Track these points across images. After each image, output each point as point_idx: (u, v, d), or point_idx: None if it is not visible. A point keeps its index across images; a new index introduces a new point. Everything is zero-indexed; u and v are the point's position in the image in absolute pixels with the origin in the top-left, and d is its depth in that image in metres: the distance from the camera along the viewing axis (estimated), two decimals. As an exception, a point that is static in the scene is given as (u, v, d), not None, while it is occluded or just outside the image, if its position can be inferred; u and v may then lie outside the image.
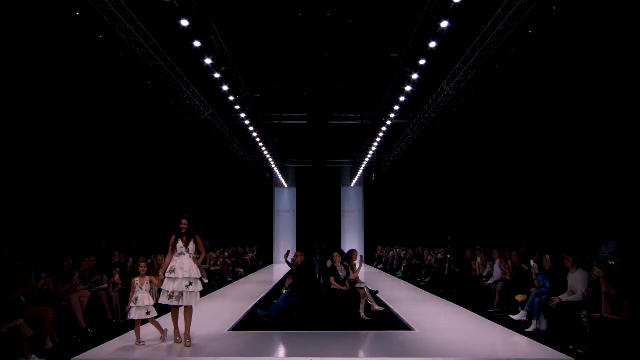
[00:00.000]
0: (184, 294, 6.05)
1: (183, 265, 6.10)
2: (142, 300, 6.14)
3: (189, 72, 12.27)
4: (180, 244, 6.18)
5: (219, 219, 22.87)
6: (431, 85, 13.10)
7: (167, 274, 6.08)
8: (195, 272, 6.13)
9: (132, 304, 6.12)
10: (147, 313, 6.17)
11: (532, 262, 7.86)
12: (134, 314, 6.11)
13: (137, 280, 6.25)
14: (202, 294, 11.00)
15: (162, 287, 6.15)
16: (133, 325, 6.30)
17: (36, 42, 9.63)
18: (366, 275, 16.47)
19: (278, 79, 14.81)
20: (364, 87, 15.46)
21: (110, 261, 8.89)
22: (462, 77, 11.62)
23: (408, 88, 11.71)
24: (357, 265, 8.79)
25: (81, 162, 12.97)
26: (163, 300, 6.10)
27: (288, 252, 10.31)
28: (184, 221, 6.28)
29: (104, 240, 12.76)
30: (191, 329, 6.71)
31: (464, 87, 12.09)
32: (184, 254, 6.15)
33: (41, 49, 9.84)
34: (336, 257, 8.48)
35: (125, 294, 8.05)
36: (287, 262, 9.84)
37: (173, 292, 6.03)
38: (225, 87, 11.80)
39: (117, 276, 8.16)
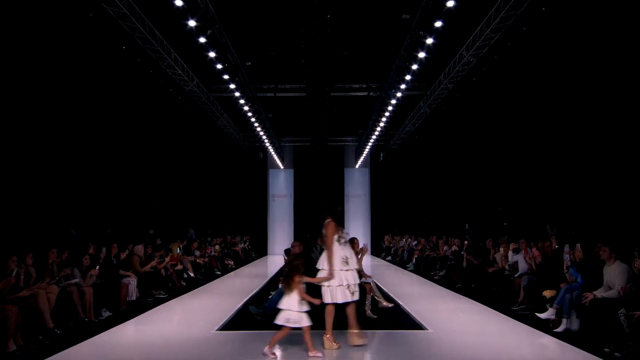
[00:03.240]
0: (356, 286, 6.01)
1: (352, 255, 6.09)
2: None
3: (170, 36, 12.09)
4: (343, 232, 6.11)
5: (207, 204, 22.85)
6: (448, 51, 12.94)
7: (341, 267, 5.91)
8: None
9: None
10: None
11: (565, 251, 7.80)
12: (306, 321, 5.59)
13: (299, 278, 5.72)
14: (187, 289, 11.18)
15: (341, 284, 5.88)
16: (110, 325, 6.26)
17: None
18: (373, 268, 16.51)
19: (273, 44, 14.63)
20: (371, 54, 15.30)
21: (82, 253, 8.82)
22: (485, 42, 11.46)
23: (422, 55, 11.58)
24: (359, 256, 8.74)
25: (45, 139, 12.83)
26: (347, 297, 5.90)
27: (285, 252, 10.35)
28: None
29: (74, 229, 12.71)
30: (173, 330, 6.69)
31: (487, 54, 11.93)
32: (347, 244, 6.13)
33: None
34: None
35: (102, 288, 8.05)
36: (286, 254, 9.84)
37: (349, 286, 5.92)
38: (212, 54, 11.67)
39: (97, 267, 8.15)
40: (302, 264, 5.77)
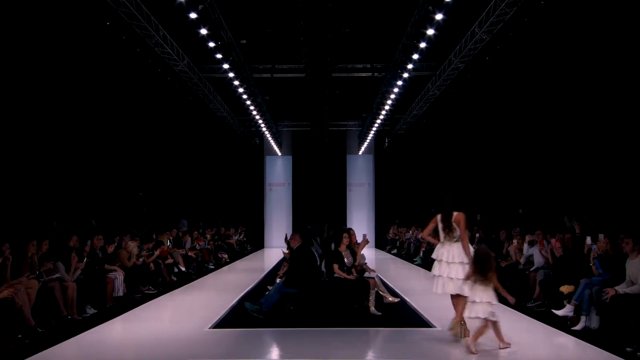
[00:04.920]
0: None
1: None
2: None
3: (158, 11, 11.96)
4: None
5: (199, 194, 22.81)
6: (460, 28, 12.81)
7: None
8: None
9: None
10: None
11: (587, 244, 7.77)
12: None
13: None
14: (178, 284, 11.18)
15: None
16: (95, 323, 6.27)
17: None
18: (377, 262, 16.53)
19: (269, 21, 14.50)
20: (375, 31, 15.17)
21: (64, 245, 8.79)
22: (499, 18, 11.33)
23: (430, 32, 11.48)
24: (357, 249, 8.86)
25: (21, 122, 12.72)
26: None
27: (287, 236, 10.32)
28: None
29: (56, 219, 12.68)
30: (163, 328, 6.67)
31: (501, 30, 11.81)
32: None
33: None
34: (345, 238, 8.46)
35: (86, 283, 8.03)
36: (287, 245, 9.83)
37: None
38: (203, 31, 11.56)
39: (84, 261, 8.18)
40: (494, 256, 6.06)
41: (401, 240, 20.49)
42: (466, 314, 5.92)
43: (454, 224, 6.31)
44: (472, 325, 6.03)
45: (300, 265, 8.03)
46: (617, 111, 12.10)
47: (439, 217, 6.46)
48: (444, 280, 6.31)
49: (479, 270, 5.87)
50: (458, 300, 6.27)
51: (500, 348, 5.79)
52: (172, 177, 20.78)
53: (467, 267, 6.13)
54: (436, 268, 6.43)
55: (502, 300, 8.94)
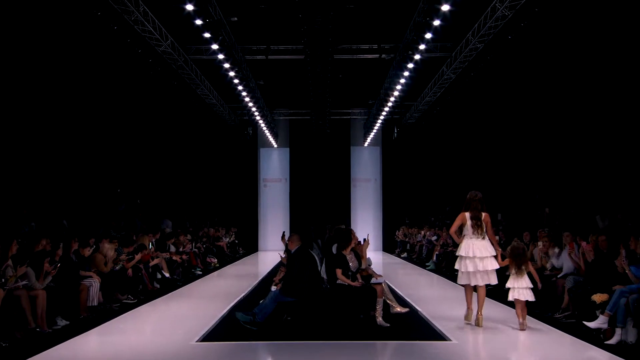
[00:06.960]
0: None
1: None
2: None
3: (138, -16, 11.94)
4: None
5: (185, 191, 22.80)
6: (478, 3, 12.77)
7: None
8: None
9: None
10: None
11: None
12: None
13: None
14: (161, 292, 11.16)
15: None
16: (67, 336, 6.68)
17: None
18: (385, 266, 16.52)
19: (264, -5, 14.47)
20: (383, 7, 15.13)
21: (33, 248, 8.75)
22: (523, -8, 11.30)
23: (445, 8, 11.44)
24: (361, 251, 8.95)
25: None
26: None
27: (284, 234, 10.32)
28: None
29: (23, 222, 12.65)
30: (144, 341, 6.64)
31: (525, 5, 11.77)
32: None
33: None
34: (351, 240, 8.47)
35: (57, 291, 8.00)
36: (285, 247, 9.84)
37: None
38: (190, 7, 11.54)
39: (58, 266, 8.14)
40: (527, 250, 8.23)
41: (412, 243, 20.46)
42: (511, 297, 7.56)
43: (483, 223, 7.73)
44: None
45: (298, 270, 7.99)
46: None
47: (468, 215, 7.81)
48: (480, 274, 7.68)
49: (517, 264, 7.58)
50: (478, 290, 7.73)
51: (522, 327, 7.38)
52: (155, 171, 20.76)
53: (494, 259, 7.69)
54: (468, 264, 7.72)
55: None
